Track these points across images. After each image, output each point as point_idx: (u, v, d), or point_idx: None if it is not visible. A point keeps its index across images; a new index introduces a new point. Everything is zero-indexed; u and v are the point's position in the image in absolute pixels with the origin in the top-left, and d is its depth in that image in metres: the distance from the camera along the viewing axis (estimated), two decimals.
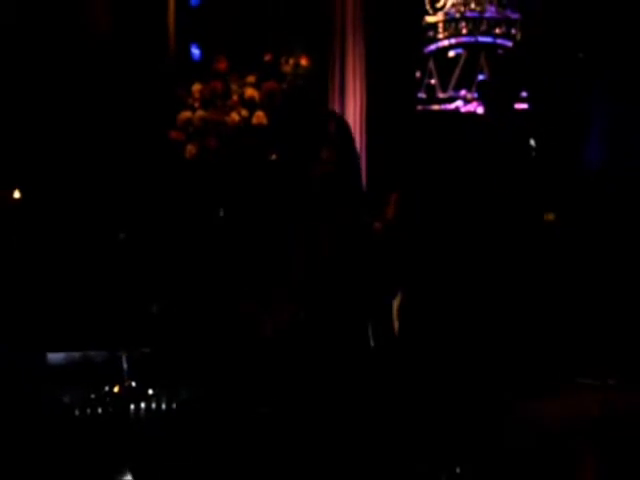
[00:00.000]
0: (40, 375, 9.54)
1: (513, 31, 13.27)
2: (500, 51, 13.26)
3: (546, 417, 8.83)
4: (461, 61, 13.37)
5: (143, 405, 9.86)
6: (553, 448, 7.81)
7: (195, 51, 13.89)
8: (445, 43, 13.54)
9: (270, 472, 5.29)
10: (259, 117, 12.18)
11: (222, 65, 12.52)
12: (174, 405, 9.80)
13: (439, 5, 13.51)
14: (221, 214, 11.85)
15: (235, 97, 12.54)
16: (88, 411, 9.57)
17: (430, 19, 13.58)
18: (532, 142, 12.52)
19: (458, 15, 13.47)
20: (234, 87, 12.61)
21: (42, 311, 9.82)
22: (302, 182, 5.15)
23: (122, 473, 7.99)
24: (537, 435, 8.19)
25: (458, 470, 7.21)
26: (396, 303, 5.77)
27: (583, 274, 10.49)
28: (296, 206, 5.15)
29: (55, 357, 10.24)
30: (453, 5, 13.45)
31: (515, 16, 13.25)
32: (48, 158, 11.51)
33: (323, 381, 5.03)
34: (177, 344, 10.85)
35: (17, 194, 10.76)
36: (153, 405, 9.87)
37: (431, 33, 13.61)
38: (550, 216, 11.51)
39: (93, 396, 9.88)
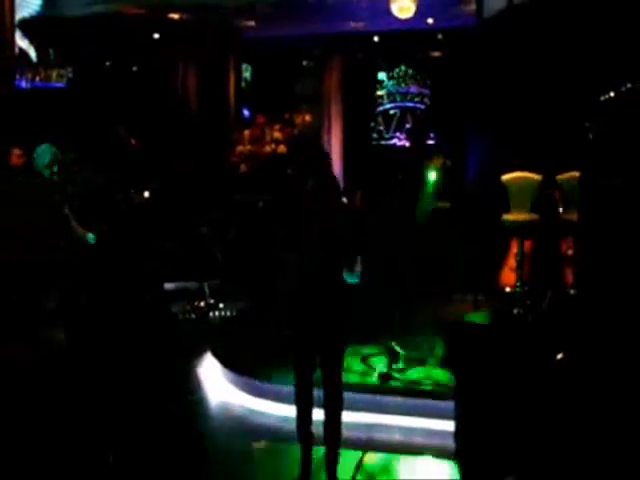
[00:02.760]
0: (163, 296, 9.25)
1: (426, 100, 13.70)
2: (418, 111, 13.70)
3: (437, 318, 8.48)
4: (396, 116, 13.77)
5: (217, 313, 10.22)
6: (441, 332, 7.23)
7: (245, 112, 14.45)
8: (387, 106, 13.93)
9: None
10: (282, 149, 12.71)
11: (261, 120, 13.11)
12: (236, 312, 10.17)
13: (384, 85, 13.88)
14: (260, 204, 11.97)
15: (268, 137, 13.06)
16: (186, 316, 10.06)
17: (379, 92, 13.99)
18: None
19: (394, 90, 13.82)
20: (267, 132, 13.12)
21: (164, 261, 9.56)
22: (307, 185, 4.98)
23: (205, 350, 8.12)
24: (433, 325, 8.01)
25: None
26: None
27: (463, 234, 10.43)
28: (303, 197, 4.99)
29: (168, 285, 9.98)
30: (392, 85, 13.80)
31: (427, 92, 13.68)
32: (166, 174, 11.65)
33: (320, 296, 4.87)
34: (234, 278, 10.97)
35: (147, 194, 10.65)
36: (222, 313, 10.24)
37: (379, 100, 14.00)
38: (446, 204, 11.70)
39: (188, 307, 10.30)
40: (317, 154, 5.36)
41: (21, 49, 11.83)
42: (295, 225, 5.06)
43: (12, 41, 8.16)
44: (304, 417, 5.00)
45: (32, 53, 12.84)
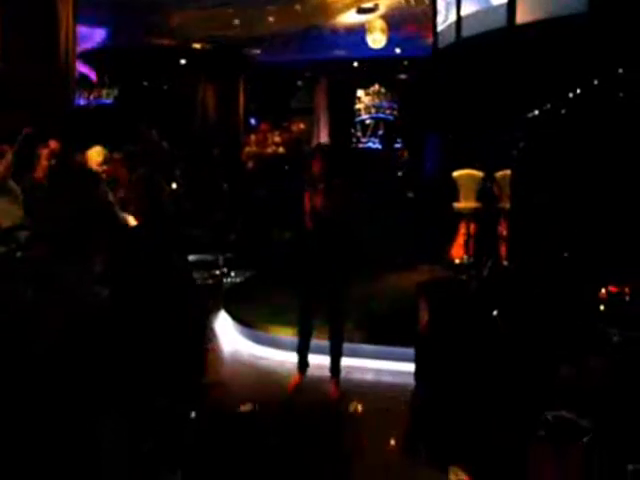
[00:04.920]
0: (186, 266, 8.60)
1: (395, 112, 13.82)
2: (388, 121, 13.77)
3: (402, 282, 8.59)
4: (371, 125, 13.87)
5: (229, 279, 9.98)
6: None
7: (252, 121, 14.50)
8: (364, 117, 14.02)
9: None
10: (280, 150, 12.68)
11: (264, 127, 13.04)
12: (244, 279, 9.76)
13: (361, 100, 13.96)
14: (262, 194, 11.65)
15: (270, 141, 12.98)
16: (204, 281, 9.64)
17: (358, 106, 14.07)
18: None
19: (370, 104, 13.93)
20: (269, 136, 13.05)
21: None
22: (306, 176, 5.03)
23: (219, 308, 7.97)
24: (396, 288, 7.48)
25: None
26: None
27: (423, 218, 10.07)
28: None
29: (191, 257, 8.39)
30: (368, 100, 13.90)
31: (395, 105, 13.75)
32: (189, 171, 11.17)
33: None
34: (243, 252, 10.49)
35: (175, 186, 10.40)
36: (234, 279, 9.93)
37: (358, 112, 14.09)
38: (410, 193, 11.79)
39: (206, 275, 9.95)
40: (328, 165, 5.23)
41: (81, 73, 11.89)
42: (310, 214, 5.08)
43: (74, 67, 8.20)
44: (304, 346, 5.17)
45: (93, 76, 13.04)
